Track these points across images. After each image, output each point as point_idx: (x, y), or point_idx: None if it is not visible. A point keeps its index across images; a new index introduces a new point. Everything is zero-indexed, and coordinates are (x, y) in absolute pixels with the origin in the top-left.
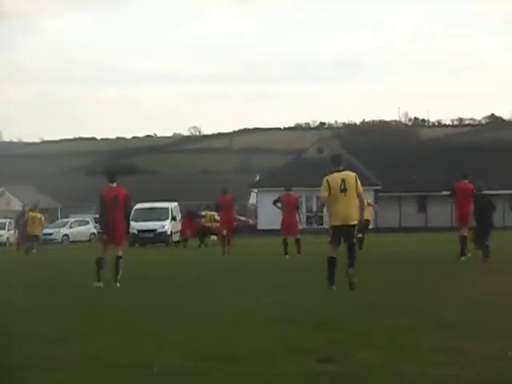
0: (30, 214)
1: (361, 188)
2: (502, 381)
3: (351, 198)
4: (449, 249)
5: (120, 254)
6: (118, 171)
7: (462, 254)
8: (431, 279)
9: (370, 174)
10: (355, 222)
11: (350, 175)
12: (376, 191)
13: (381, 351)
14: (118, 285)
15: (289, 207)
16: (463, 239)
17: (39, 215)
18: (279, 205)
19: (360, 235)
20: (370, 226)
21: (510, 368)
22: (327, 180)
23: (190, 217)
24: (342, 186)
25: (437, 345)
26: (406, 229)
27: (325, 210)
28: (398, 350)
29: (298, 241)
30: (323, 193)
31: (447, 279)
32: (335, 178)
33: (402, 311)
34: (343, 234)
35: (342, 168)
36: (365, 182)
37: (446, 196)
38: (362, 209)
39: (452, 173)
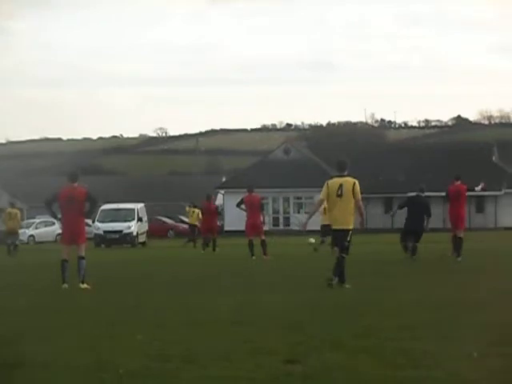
0: (9, 210)
1: (359, 194)
2: (468, 382)
3: (346, 203)
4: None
5: (82, 254)
6: (80, 171)
7: (459, 254)
8: (395, 280)
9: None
10: (348, 227)
11: (349, 181)
12: (419, 189)
13: (346, 353)
14: (83, 286)
15: (252, 209)
16: (459, 240)
17: (16, 211)
18: (243, 206)
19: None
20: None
21: (476, 369)
22: (327, 184)
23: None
24: (339, 191)
25: (402, 346)
26: (372, 230)
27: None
28: (362, 351)
29: (263, 242)
30: (321, 196)
31: (412, 280)
32: (335, 182)
33: (367, 312)
34: (337, 236)
35: (345, 174)
36: None
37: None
38: (361, 214)
39: (418, 174)
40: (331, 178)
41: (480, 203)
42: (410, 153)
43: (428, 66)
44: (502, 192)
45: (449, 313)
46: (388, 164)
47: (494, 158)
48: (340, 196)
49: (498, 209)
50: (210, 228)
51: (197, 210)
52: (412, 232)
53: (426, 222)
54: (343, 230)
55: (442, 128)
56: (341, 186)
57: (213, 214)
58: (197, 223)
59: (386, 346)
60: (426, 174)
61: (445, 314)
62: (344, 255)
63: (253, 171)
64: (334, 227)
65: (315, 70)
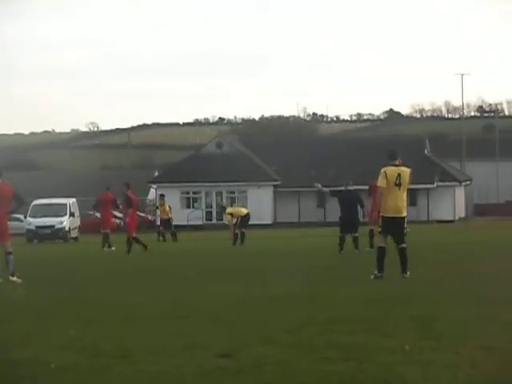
0: None
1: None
2: (400, 375)
3: (403, 192)
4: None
5: (10, 249)
6: (4, 167)
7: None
8: (329, 273)
9: (269, 170)
10: (405, 215)
11: (405, 171)
12: (275, 186)
13: (277, 347)
14: (13, 278)
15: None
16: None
17: None
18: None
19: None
20: None
21: (408, 362)
22: (385, 172)
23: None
24: (397, 181)
25: (332, 340)
26: (305, 224)
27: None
28: (294, 345)
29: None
30: (381, 184)
31: (343, 274)
32: (392, 171)
33: (298, 306)
34: (396, 224)
35: (397, 163)
36: (264, 177)
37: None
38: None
39: (349, 167)
40: (386, 166)
41: (412, 196)
42: (342, 146)
43: (359, 59)
44: (435, 185)
45: (381, 306)
46: (320, 158)
47: (426, 151)
48: (399, 186)
49: (430, 202)
50: (108, 218)
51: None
52: (349, 222)
53: (361, 212)
54: (403, 218)
55: (374, 121)
56: (399, 175)
57: (109, 203)
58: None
59: (317, 340)
60: (358, 167)
61: (377, 308)
62: (405, 245)
63: (185, 165)
64: (394, 215)
65: (248, 63)
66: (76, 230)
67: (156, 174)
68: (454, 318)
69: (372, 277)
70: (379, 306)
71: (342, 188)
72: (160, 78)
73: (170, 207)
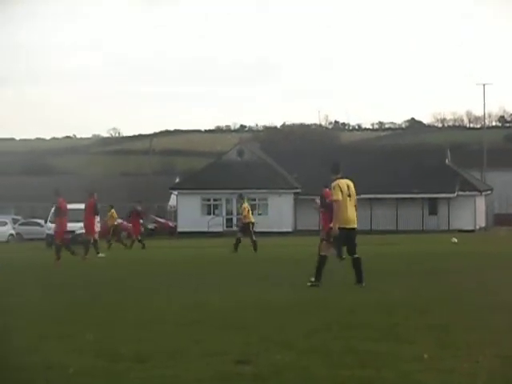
0: None
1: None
2: (419, 382)
3: (353, 202)
4: None
5: None
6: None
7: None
8: (339, 279)
9: (289, 178)
10: (355, 226)
11: (351, 183)
12: (296, 194)
13: (295, 353)
14: None
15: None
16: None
17: None
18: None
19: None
20: None
21: (427, 370)
22: (338, 185)
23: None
24: (349, 192)
25: (349, 346)
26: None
27: None
28: (311, 351)
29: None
30: (337, 197)
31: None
32: (343, 183)
33: (314, 312)
34: (350, 236)
35: (340, 176)
36: (285, 185)
37: (364, 199)
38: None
39: (371, 176)
40: (336, 179)
41: (433, 205)
42: (364, 154)
43: (378, 68)
44: (455, 194)
45: (396, 314)
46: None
47: (447, 161)
48: (350, 196)
49: (451, 211)
50: (90, 225)
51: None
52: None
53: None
54: (354, 229)
55: (395, 130)
56: (348, 186)
57: (90, 210)
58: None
59: (334, 346)
60: (379, 176)
61: (392, 315)
62: (357, 255)
63: (206, 172)
64: (347, 226)
65: (269, 70)
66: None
67: (177, 180)
68: (471, 326)
69: (309, 284)
70: (394, 313)
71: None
72: (182, 83)
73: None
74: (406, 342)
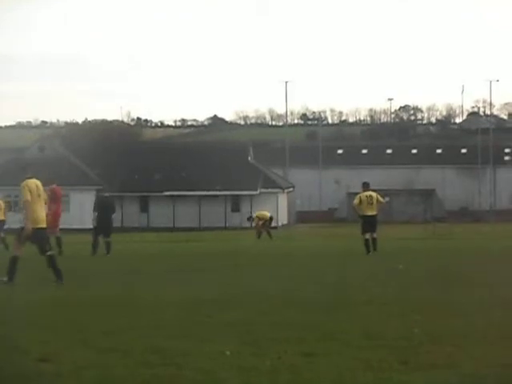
0: None
1: (381, 199)
2: (220, 380)
3: (42, 202)
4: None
5: None
6: None
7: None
8: (139, 277)
9: (91, 174)
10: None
11: (39, 183)
12: (98, 191)
13: (96, 351)
14: None
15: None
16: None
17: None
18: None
19: None
20: None
21: (229, 368)
22: (26, 184)
23: None
24: (370, 200)
25: (152, 345)
26: (128, 229)
27: None
28: (113, 350)
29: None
30: (28, 197)
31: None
32: (31, 183)
33: (119, 311)
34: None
35: (30, 176)
36: (86, 181)
37: (167, 196)
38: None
39: (174, 173)
40: (26, 179)
41: (236, 202)
42: (166, 152)
43: (176, 63)
44: (258, 192)
45: (198, 311)
46: (144, 163)
47: (249, 158)
48: (39, 196)
49: (253, 208)
50: None
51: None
52: (103, 226)
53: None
54: (44, 229)
55: (198, 127)
56: (37, 186)
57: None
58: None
59: (137, 345)
60: (182, 173)
61: (195, 313)
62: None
63: (6, 168)
64: (41, 226)
65: (68, 65)
66: None
67: None
68: (274, 322)
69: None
70: (196, 310)
71: (104, 195)
72: None
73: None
74: (208, 339)
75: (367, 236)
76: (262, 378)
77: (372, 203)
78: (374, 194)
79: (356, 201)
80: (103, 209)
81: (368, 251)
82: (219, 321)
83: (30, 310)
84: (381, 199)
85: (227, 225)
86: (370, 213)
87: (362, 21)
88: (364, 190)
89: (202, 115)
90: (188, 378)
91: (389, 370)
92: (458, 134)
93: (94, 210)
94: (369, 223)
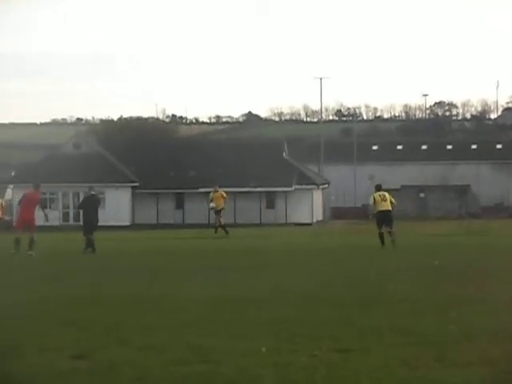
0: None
1: (393, 200)
2: (257, 377)
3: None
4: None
5: None
6: None
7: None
8: (179, 277)
9: (127, 171)
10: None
11: (386, 194)
12: (133, 188)
13: (132, 349)
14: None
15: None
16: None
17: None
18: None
19: None
20: None
21: (265, 364)
22: (373, 196)
23: None
24: (384, 198)
25: (187, 342)
26: (163, 225)
27: None
28: (147, 348)
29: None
30: (373, 202)
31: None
32: (378, 194)
33: (148, 309)
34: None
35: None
36: (122, 178)
37: (202, 193)
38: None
39: (208, 170)
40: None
41: (270, 199)
42: (201, 149)
43: (214, 61)
44: (292, 188)
45: (236, 309)
46: (179, 160)
47: (284, 155)
48: (385, 200)
49: (288, 205)
50: None
51: None
52: (89, 223)
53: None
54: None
55: (233, 124)
56: (384, 195)
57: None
58: None
59: (172, 342)
60: (217, 169)
61: (231, 310)
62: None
63: (42, 165)
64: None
65: (104, 65)
66: None
67: (12, 173)
68: (304, 320)
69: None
70: (229, 307)
71: (90, 194)
72: (14, 78)
73: None
74: (243, 336)
75: (382, 229)
76: (297, 375)
77: (386, 200)
78: (386, 194)
79: (371, 201)
80: (89, 207)
81: (382, 243)
82: (254, 318)
83: (66, 308)
84: (393, 200)
85: (262, 221)
86: (384, 208)
87: (397, 16)
88: (377, 191)
89: (236, 112)
90: (224, 375)
91: (424, 367)
92: (493, 129)
93: (79, 207)
94: (383, 217)
